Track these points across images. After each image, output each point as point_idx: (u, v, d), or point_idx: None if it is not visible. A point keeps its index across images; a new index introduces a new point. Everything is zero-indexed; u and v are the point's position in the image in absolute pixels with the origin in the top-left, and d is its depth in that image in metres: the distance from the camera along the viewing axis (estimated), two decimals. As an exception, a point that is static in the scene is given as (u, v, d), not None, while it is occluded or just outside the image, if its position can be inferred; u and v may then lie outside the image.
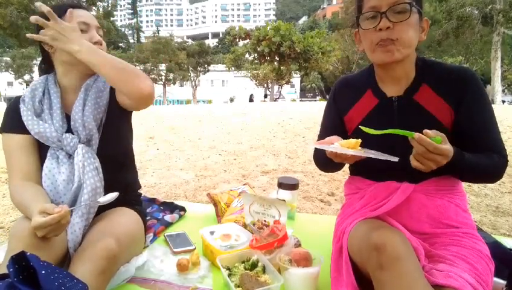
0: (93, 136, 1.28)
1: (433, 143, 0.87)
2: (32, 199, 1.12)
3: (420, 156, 0.90)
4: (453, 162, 0.93)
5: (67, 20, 1.22)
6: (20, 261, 0.81)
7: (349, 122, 1.24)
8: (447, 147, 0.90)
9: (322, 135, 1.26)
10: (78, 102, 1.29)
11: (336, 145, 1.01)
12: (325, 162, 1.19)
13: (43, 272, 0.81)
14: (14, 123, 1.26)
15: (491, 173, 1.06)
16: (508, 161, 1.07)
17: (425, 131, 0.89)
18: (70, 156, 1.26)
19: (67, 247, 1.14)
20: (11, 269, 0.79)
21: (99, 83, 1.36)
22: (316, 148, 1.26)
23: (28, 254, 0.83)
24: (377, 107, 1.17)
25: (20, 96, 1.31)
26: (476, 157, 1.00)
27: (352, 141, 0.99)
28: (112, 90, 1.36)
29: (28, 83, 41.67)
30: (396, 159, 0.91)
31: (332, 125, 1.29)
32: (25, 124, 1.24)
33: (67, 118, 1.29)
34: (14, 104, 1.30)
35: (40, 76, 1.38)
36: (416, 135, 0.88)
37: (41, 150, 1.27)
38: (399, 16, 1.03)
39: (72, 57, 1.19)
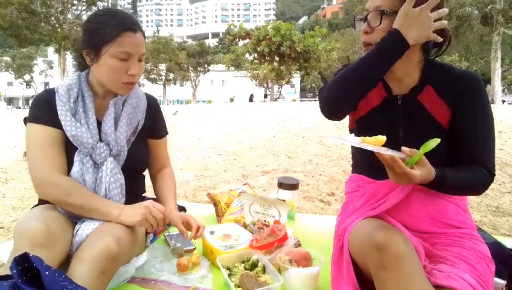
0: (122, 152, 1.30)
1: (403, 167, 0.87)
2: (95, 196, 1.19)
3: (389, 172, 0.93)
4: (433, 185, 0.96)
5: None
6: (22, 262, 0.81)
7: (354, 112, 1.23)
8: (415, 174, 0.89)
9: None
10: (110, 115, 1.29)
11: (355, 139, 0.95)
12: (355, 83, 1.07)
13: (47, 273, 0.81)
14: (48, 116, 1.22)
15: (474, 191, 1.10)
16: (494, 176, 1.07)
17: (403, 148, 0.90)
18: (95, 164, 1.26)
19: (71, 248, 1.13)
20: (15, 271, 0.79)
21: (133, 99, 1.36)
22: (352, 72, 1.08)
23: (31, 255, 0.83)
24: (383, 102, 1.17)
25: (51, 90, 1.28)
26: (460, 177, 1.01)
27: (380, 137, 0.94)
28: (148, 113, 1.42)
29: (28, 83, 41.70)
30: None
31: None
32: (62, 122, 1.21)
33: (98, 125, 1.29)
34: (45, 96, 1.26)
35: (77, 70, 1.37)
36: (389, 155, 0.87)
37: (67, 149, 1.25)
38: (375, 21, 1.06)
39: (106, 82, 1.25)
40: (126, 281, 1.23)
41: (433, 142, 0.88)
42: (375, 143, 0.93)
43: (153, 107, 1.46)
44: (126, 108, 1.33)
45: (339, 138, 0.95)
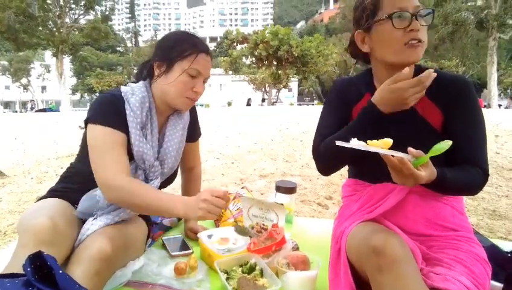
0: (169, 172, 1.38)
1: (411, 169, 0.89)
2: (159, 195, 1.18)
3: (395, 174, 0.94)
4: (434, 184, 0.97)
5: None
6: (35, 260, 0.81)
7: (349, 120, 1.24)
8: (422, 175, 0.90)
9: (325, 130, 1.22)
10: (172, 135, 1.37)
11: (360, 142, 0.95)
12: (338, 156, 1.16)
13: (61, 272, 0.81)
14: (117, 120, 1.22)
15: (470, 191, 1.12)
16: (488, 176, 1.09)
17: (409, 149, 0.90)
18: (145, 178, 1.31)
19: (74, 246, 1.13)
20: (29, 268, 0.79)
21: (185, 117, 1.45)
22: (330, 144, 1.15)
23: (45, 254, 0.83)
24: None
25: (117, 94, 1.28)
26: (458, 176, 1.02)
27: (387, 140, 0.94)
28: (189, 132, 1.48)
29: (25, 87, 41.60)
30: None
31: (338, 122, 1.22)
32: (131, 135, 1.24)
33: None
34: (112, 100, 1.26)
35: (136, 80, 1.39)
36: (399, 157, 0.89)
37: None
38: (424, 20, 1.07)
39: (170, 95, 1.29)
40: (123, 285, 1.23)
41: (445, 144, 0.89)
42: (382, 146, 0.93)
43: (192, 112, 1.53)
44: (179, 126, 1.40)
45: (343, 142, 0.96)
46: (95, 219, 1.18)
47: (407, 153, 0.90)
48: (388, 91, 1.05)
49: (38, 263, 0.82)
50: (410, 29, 1.05)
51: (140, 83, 1.34)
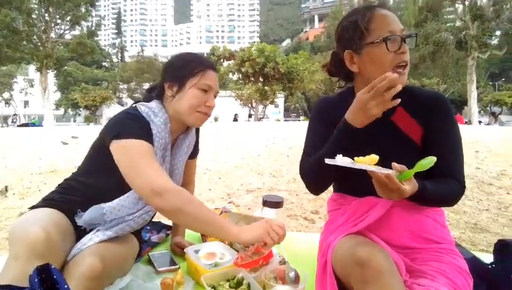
0: None
1: (398, 184, 0.92)
2: (213, 211, 1.21)
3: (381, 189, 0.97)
4: (415, 196, 1.00)
5: None
6: (41, 273, 0.80)
7: None
8: (406, 189, 0.94)
9: (312, 150, 1.25)
10: (182, 156, 1.43)
11: (346, 159, 0.99)
12: (324, 175, 1.20)
13: (66, 286, 0.81)
14: (148, 136, 1.24)
15: (448, 202, 1.15)
16: (465, 188, 1.14)
17: (394, 164, 0.93)
18: None
19: (67, 259, 1.11)
20: (36, 279, 0.78)
21: (191, 139, 1.50)
22: (317, 162, 1.16)
23: (53, 267, 0.82)
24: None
25: (137, 113, 1.29)
26: (437, 189, 1.06)
27: (373, 157, 0.98)
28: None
29: (7, 101, 40.78)
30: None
31: (324, 141, 1.23)
32: (156, 156, 1.26)
33: None
34: (136, 118, 1.27)
35: (145, 100, 1.38)
36: (385, 173, 0.92)
37: None
38: (410, 42, 1.12)
39: (185, 111, 1.31)
40: (109, 302, 1.20)
41: (428, 161, 0.92)
42: (368, 162, 0.97)
43: (197, 131, 1.58)
44: (185, 145, 1.46)
45: (330, 160, 0.99)
46: (93, 233, 1.17)
47: (391, 168, 0.94)
48: (353, 103, 1.08)
49: (44, 275, 0.81)
50: (400, 52, 1.10)
51: (155, 103, 1.36)
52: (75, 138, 8.09)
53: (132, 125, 1.23)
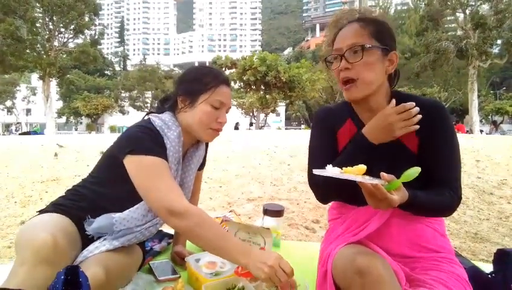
0: None
1: (385, 193, 0.92)
2: (226, 235, 1.18)
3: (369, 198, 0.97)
4: (405, 205, 1.00)
5: None
6: (67, 274, 0.81)
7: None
8: (395, 199, 0.93)
9: (318, 160, 1.25)
10: (190, 165, 1.43)
11: (334, 170, 0.99)
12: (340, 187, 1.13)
13: None
14: (163, 152, 1.25)
15: (441, 213, 1.15)
16: (460, 199, 1.13)
17: (382, 174, 0.93)
18: None
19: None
20: (62, 277, 0.79)
21: (201, 152, 1.50)
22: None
23: (81, 270, 0.83)
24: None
25: (151, 127, 1.28)
26: (429, 199, 1.06)
27: (361, 166, 0.98)
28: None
29: (9, 109, 40.96)
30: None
31: (327, 150, 1.26)
32: (171, 170, 1.27)
33: None
34: (151, 132, 1.26)
35: (158, 112, 1.39)
36: (373, 183, 0.92)
37: None
38: (355, 57, 1.12)
39: (196, 126, 1.32)
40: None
41: (413, 171, 0.92)
42: (356, 172, 0.97)
43: (206, 144, 1.57)
44: (196, 158, 1.47)
45: (320, 171, 0.99)
46: (100, 241, 1.18)
47: (379, 177, 0.94)
48: (375, 118, 1.10)
49: (69, 277, 0.82)
50: (340, 69, 1.14)
51: (168, 115, 1.35)
52: (61, 146, 7.96)
53: (147, 140, 1.23)
